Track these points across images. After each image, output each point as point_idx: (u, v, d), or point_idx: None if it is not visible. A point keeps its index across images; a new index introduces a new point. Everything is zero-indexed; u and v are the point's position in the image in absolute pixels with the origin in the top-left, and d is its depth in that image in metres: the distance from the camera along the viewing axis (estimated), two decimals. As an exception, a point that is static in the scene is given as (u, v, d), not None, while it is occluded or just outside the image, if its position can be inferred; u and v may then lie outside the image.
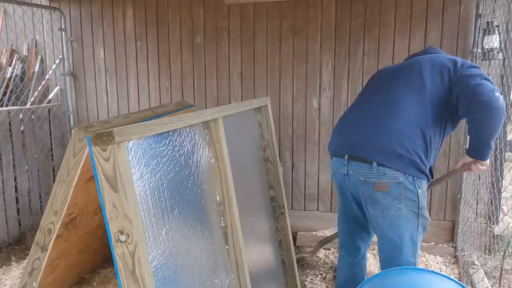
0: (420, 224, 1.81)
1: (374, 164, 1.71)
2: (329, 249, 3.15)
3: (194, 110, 2.79)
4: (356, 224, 2.03)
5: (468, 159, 1.85)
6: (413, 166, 1.72)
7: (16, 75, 3.78)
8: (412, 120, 1.73)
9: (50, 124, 3.55)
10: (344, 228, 2.08)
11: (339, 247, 2.18)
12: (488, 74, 2.85)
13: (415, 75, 1.82)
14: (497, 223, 2.99)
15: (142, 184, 1.39)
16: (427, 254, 3.03)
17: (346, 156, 1.80)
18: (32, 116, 3.34)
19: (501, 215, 3.05)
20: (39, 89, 3.77)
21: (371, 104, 1.86)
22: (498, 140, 2.94)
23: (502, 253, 2.92)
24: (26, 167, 3.34)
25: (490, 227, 2.98)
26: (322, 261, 3.01)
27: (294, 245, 3.01)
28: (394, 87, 1.84)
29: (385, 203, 1.76)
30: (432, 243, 3.15)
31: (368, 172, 1.74)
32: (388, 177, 1.72)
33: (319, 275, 2.83)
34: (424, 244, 3.00)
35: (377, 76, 2.05)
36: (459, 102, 1.69)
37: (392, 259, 1.85)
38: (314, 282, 2.75)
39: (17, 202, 3.27)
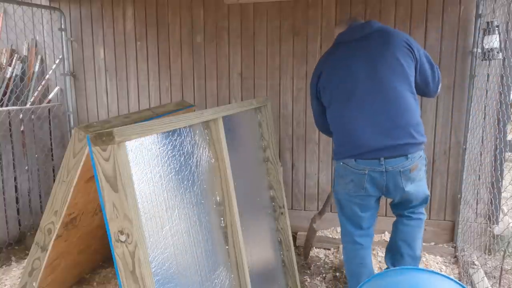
0: None
1: (409, 155, 2.00)
2: (329, 249, 3.15)
3: (194, 110, 2.79)
4: (374, 214, 2.24)
5: None
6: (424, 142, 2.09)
7: (16, 75, 3.78)
8: (416, 109, 2.05)
9: (50, 124, 3.55)
10: (366, 220, 2.20)
11: (354, 240, 2.22)
12: (488, 74, 2.87)
13: (395, 65, 2.00)
14: (497, 223, 2.99)
15: (142, 184, 1.39)
16: (427, 254, 3.04)
17: (382, 158, 2.00)
18: (32, 116, 3.34)
19: (501, 215, 3.05)
20: (39, 89, 3.77)
21: (378, 105, 2.00)
22: (498, 140, 2.94)
23: (502, 253, 2.92)
24: (26, 167, 3.34)
25: (490, 227, 2.98)
26: (322, 261, 3.01)
27: (294, 245, 3.01)
28: (388, 83, 1.99)
29: (415, 177, 2.07)
30: (432, 243, 3.15)
31: (405, 163, 2.00)
32: (416, 158, 2.03)
33: (319, 275, 2.83)
34: (424, 244, 2.99)
35: (351, 71, 2.05)
36: (419, 86, 2.11)
37: (421, 206, 2.23)
38: (314, 282, 2.75)
39: (17, 202, 3.27)
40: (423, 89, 2.14)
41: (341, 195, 2.18)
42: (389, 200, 2.31)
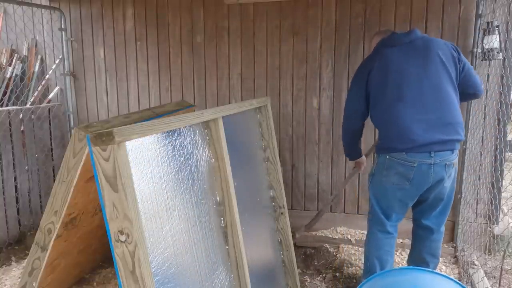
0: None
1: (454, 151, 2.16)
2: (329, 249, 3.15)
3: (194, 110, 2.79)
4: (405, 213, 2.35)
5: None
6: None
7: (16, 75, 3.78)
8: (459, 109, 2.19)
9: (50, 124, 3.55)
10: (397, 215, 2.32)
11: (386, 230, 2.32)
12: (488, 74, 2.87)
13: (442, 67, 2.15)
14: (497, 223, 2.99)
15: (142, 184, 1.39)
16: (427, 254, 3.03)
17: (433, 151, 2.12)
18: (32, 116, 3.34)
19: (501, 215, 3.05)
20: (39, 89, 3.77)
21: (428, 104, 2.13)
22: (498, 140, 2.94)
23: (502, 253, 2.92)
24: (26, 167, 3.34)
25: (490, 227, 2.98)
26: (322, 261, 3.01)
27: (294, 245, 3.01)
28: (436, 83, 2.13)
29: (453, 174, 2.24)
30: (432, 243, 3.15)
31: (451, 156, 2.15)
32: (457, 154, 2.21)
33: (319, 275, 2.83)
34: (424, 244, 3.00)
35: (401, 71, 2.17)
36: (466, 87, 2.25)
37: (447, 210, 2.33)
38: (314, 282, 2.75)
39: (17, 202, 3.27)
40: (472, 86, 2.26)
41: (383, 186, 2.27)
42: (417, 207, 2.38)
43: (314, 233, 3.33)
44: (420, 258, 2.39)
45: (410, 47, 2.20)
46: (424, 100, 2.13)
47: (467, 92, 2.26)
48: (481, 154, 2.97)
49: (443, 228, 2.36)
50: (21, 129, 3.27)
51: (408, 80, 2.15)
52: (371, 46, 2.44)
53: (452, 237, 3.15)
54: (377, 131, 2.74)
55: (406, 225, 2.50)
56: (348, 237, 3.22)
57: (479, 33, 2.85)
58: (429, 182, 2.16)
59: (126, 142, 1.30)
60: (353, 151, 2.56)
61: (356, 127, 2.40)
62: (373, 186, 2.34)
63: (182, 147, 1.64)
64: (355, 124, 2.38)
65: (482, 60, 2.80)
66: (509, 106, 2.88)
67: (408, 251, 2.56)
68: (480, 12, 2.86)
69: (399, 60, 2.19)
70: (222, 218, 1.86)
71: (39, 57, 3.83)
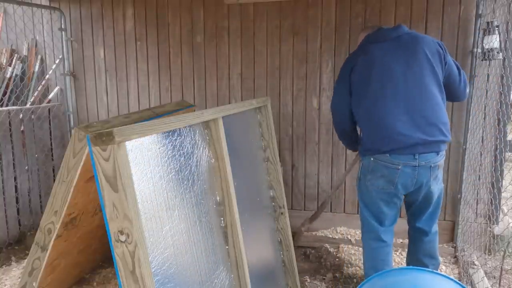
0: None
1: (440, 152, 2.11)
2: (329, 250, 3.15)
3: (194, 110, 2.79)
4: (397, 214, 2.31)
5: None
6: None
7: (16, 75, 3.78)
8: (444, 108, 2.14)
9: (50, 124, 3.55)
10: (389, 218, 2.26)
11: (378, 237, 2.26)
12: (488, 74, 2.87)
13: (427, 65, 2.08)
14: (497, 223, 2.99)
15: (142, 184, 1.39)
16: (427, 254, 3.03)
17: (417, 153, 2.06)
18: (32, 116, 3.34)
19: (501, 215, 3.05)
20: (39, 89, 3.77)
21: (412, 102, 2.06)
22: (498, 140, 2.94)
23: (502, 253, 2.92)
24: (26, 167, 3.34)
25: (490, 227, 2.98)
26: (322, 260, 3.01)
27: (294, 245, 3.01)
28: (421, 81, 2.06)
29: (439, 176, 2.20)
30: (432, 243, 3.15)
31: (436, 158, 2.10)
32: (443, 156, 2.15)
33: (319, 275, 2.83)
34: (424, 244, 3.00)
35: (386, 68, 2.10)
36: (447, 89, 2.18)
37: (437, 211, 2.30)
38: (314, 282, 2.75)
39: (17, 202, 3.27)
40: (451, 92, 2.22)
41: (368, 191, 2.21)
42: (408, 209, 2.36)
43: (314, 233, 3.33)
44: (417, 260, 2.35)
45: (397, 43, 2.12)
46: (408, 100, 2.05)
47: (448, 93, 2.20)
48: (481, 154, 2.97)
49: (435, 228, 2.33)
50: (21, 129, 3.27)
51: (392, 77, 2.07)
52: (357, 42, 2.34)
53: (452, 237, 3.15)
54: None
55: (405, 225, 2.49)
56: (348, 237, 3.22)
57: (479, 33, 2.85)
58: (413, 185, 2.11)
59: (126, 142, 1.30)
60: (351, 143, 2.48)
61: (348, 128, 2.32)
62: (360, 192, 2.29)
63: (182, 147, 1.64)
64: (346, 125, 2.30)
65: (482, 60, 2.80)
66: (509, 106, 2.88)
67: (408, 251, 2.55)
68: (480, 12, 2.85)
69: (385, 56, 2.11)
70: (222, 218, 1.86)
71: (39, 57, 3.83)
